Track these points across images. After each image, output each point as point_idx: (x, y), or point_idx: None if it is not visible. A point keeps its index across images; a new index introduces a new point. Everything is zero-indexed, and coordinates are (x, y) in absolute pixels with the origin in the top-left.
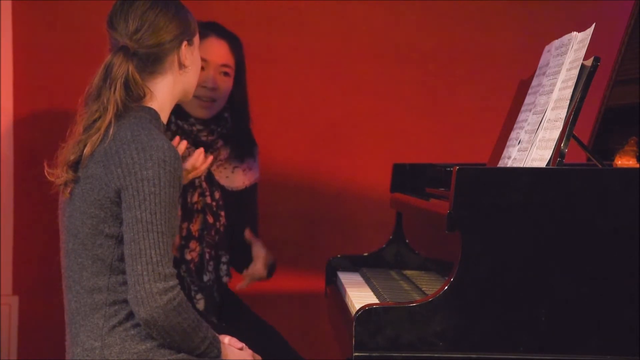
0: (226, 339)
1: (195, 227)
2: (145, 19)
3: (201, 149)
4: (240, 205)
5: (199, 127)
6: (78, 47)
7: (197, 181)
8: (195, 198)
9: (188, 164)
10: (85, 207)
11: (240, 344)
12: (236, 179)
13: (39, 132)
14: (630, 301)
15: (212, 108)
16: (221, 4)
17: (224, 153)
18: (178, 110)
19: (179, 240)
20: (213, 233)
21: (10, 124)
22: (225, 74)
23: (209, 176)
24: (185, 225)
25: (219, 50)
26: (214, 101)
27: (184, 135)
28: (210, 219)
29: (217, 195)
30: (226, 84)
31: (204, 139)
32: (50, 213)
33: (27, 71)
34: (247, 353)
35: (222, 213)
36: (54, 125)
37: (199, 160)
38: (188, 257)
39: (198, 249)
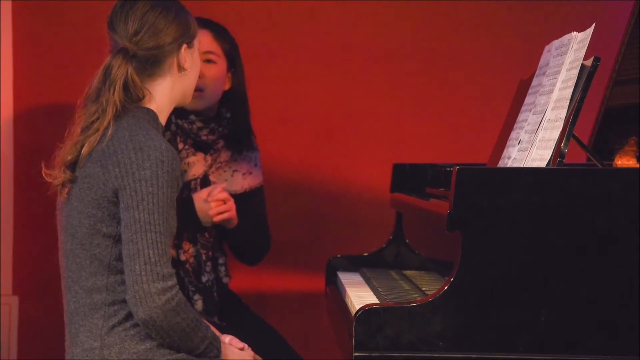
0: (227, 339)
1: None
2: (145, 21)
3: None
4: (241, 209)
5: (199, 124)
6: (78, 46)
7: (192, 183)
8: None
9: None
10: (82, 206)
11: (242, 344)
12: (235, 182)
13: (39, 132)
14: (630, 301)
15: (202, 98)
16: (220, 4)
17: (224, 155)
18: (177, 109)
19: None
20: (207, 235)
21: (10, 124)
22: (209, 61)
23: (203, 178)
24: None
25: (200, 38)
26: (201, 90)
27: (184, 134)
28: None
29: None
30: (212, 72)
31: (204, 138)
32: (50, 213)
33: (27, 71)
34: (248, 354)
35: None
36: (54, 125)
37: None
38: (182, 257)
39: (191, 250)
